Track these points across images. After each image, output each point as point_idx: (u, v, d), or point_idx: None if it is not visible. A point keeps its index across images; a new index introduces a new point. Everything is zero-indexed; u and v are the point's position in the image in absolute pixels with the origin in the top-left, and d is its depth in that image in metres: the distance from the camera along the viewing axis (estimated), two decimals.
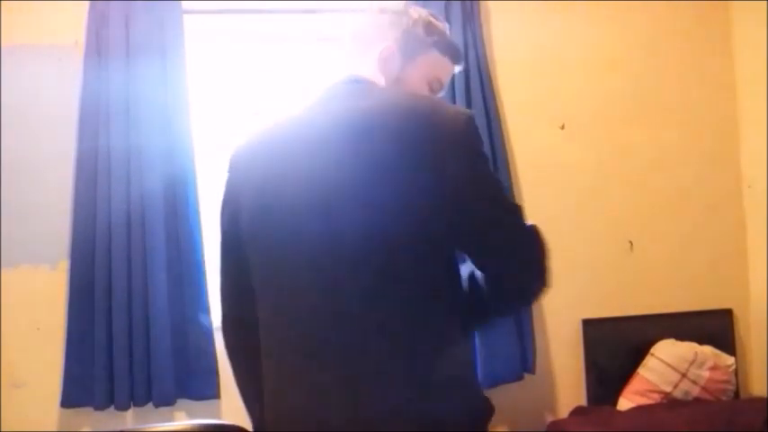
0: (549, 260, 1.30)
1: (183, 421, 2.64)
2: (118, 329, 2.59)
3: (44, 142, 2.72)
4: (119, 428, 2.62)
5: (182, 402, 2.68)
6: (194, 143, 2.74)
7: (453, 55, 1.50)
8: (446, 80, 1.51)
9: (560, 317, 3.05)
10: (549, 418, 2.99)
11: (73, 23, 2.72)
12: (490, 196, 1.27)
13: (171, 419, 2.69)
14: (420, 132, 1.20)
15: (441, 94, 1.53)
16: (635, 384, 2.89)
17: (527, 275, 1.33)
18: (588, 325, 3.03)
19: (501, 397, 2.87)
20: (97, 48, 2.67)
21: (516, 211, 1.29)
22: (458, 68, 1.53)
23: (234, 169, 1.39)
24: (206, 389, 2.68)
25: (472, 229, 1.25)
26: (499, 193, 1.29)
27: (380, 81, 1.40)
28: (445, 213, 1.21)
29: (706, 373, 2.84)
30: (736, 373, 2.94)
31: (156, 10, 2.70)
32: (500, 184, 1.32)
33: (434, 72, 1.47)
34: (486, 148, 2.85)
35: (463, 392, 1.25)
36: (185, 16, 2.76)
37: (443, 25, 1.50)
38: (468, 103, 2.87)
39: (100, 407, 2.59)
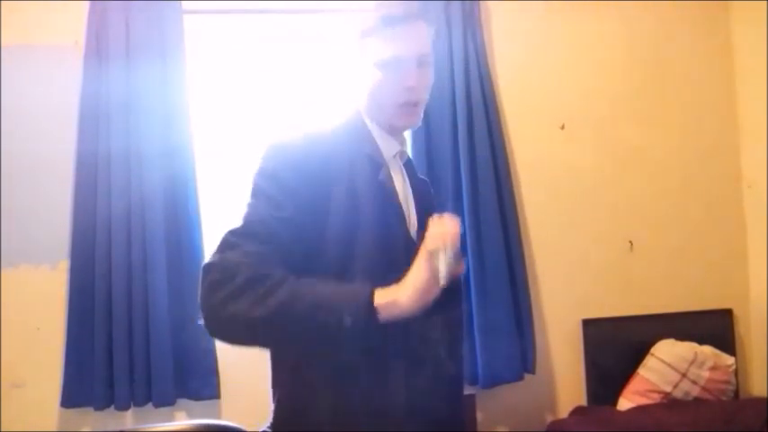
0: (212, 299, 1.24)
1: (183, 421, 2.64)
2: (118, 329, 2.59)
3: (44, 142, 2.72)
4: (119, 428, 2.63)
5: (182, 402, 2.69)
6: (194, 143, 2.74)
7: (387, 22, 1.36)
8: (404, 50, 1.36)
9: (560, 317, 3.05)
10: (549, 418, 2.99)
11: (73, 23, 2.72)
12: None
13: (171, 419, 2.69)
14: None
15: (417, 64, 1.38)
16: (635, 384, 2.89)
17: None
18: (588, 325, 3.03)
19: (501, 397, 2.90)
20: (97, 48, 2.68)
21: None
22: (408, 28, 1.37)
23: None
24: (206, 389, 2.68)
25: None
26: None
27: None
28: None
29: (706, 373, 2.84)
30: (736, 373, 2.94)
31: (156, 10, 2.70)
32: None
33: (381, 55, 1.36)
34: (486, 149, 2.88)
35: None
36: (185, 16, 2.76)
37: (383, 11, 1.38)
38: (469, 104, 2.87)
39: (100, 407, 2.59)
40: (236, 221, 1.31)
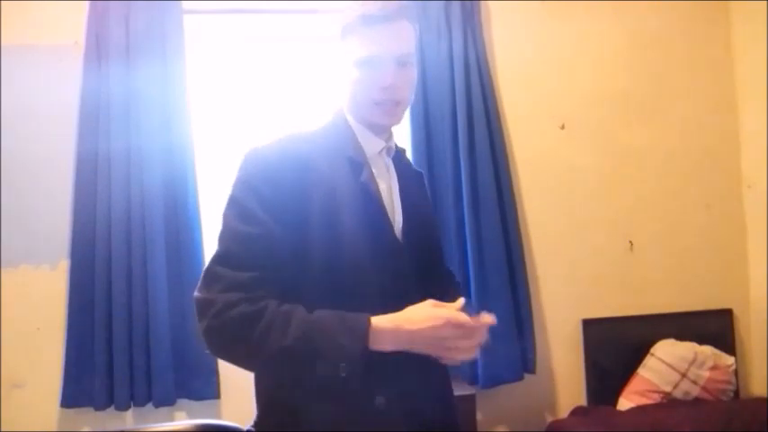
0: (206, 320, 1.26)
1: (183, 421, 2.64)
2: (118, 329, 2.59)
3: (44, 142, 2.72)
4: (119, 428, 2.63)
5: (182, 402, 2.68)
6: (194, 143, 2.74)
7: (366, 20, 1.35)
8: (381, 50, 1.35)
9: (560, 317, 3.05)
10: (549, 418, 2.99)
11: (73, 23, 2.72)
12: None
13: (171, 419, 2.69)
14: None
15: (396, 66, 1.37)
16: (635, 384, 2.89)
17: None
18: (588, 325, 3.03)
19: (501, 397, 2.89)
20: (97, 48, 2.68)
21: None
22: (388, 27, 1.36)
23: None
24: (206, 389, 2.68)
25: None
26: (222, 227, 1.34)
27: None
28: None
29: (706, 373, 2.84)
30: (736, 373, 2.94)
31: (156, 10, 2.70)
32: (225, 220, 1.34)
33: (359, 53, 1.36)
34: (486, 148, 2.88)
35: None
36: (185, 16, 2.76)
37: (359, 7, 1.37)
38: (469, 103, 2.87)
39: (100, 407, 2.59)
40: (216, 244, 1.31)
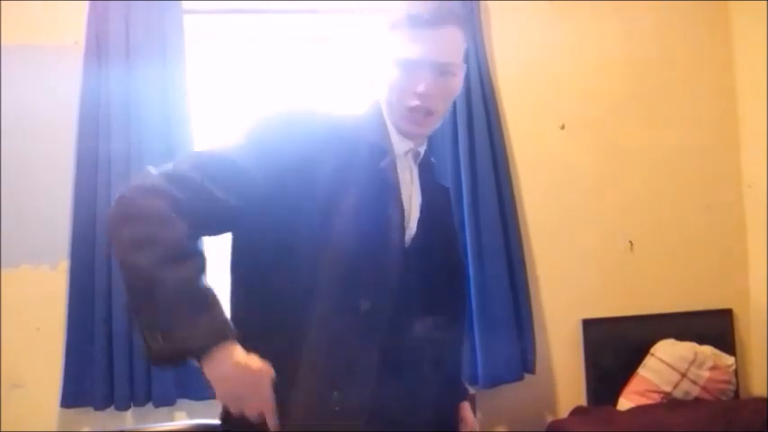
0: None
1: (183, 421, 2.64)
2: (118, 329, 2.59)
3: (44, 143, 2.72)
4: (119, 428, 2.63)
5: (182, 402, 2.68)
6: (194, 143, 2.74)
7: (412, 22, 1.29)
8: (421, 54, 1.29)
9: (560, 317, 3.05)
10: (549, 418, 2.99)
11: (73, 23, 2.72)
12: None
13: (171, 419, 2.69)
14: None
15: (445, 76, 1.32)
16: (635, 384, 2.89)
17: None
18: (588, 325, 3.03)
19: (501, 397, 2.90)
20: (97, 48, 2.68)
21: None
22: (434, 33, 1.29)
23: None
24: (206, 389, 2.63)
25: None
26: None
27: None
28: None
29: (706, 373, 2.84)
30: (736, 373, 2.94)
31: (156, 10, 2.70)
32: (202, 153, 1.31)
33: (398, 54, 1.30)
34: (487, 148, 2.88)
35: None
36: (185, 16, 2.76)
37: (406, 8, 1.31)
38: (469, 104, 2.87)
39: (100, 407, 2.59)
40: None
